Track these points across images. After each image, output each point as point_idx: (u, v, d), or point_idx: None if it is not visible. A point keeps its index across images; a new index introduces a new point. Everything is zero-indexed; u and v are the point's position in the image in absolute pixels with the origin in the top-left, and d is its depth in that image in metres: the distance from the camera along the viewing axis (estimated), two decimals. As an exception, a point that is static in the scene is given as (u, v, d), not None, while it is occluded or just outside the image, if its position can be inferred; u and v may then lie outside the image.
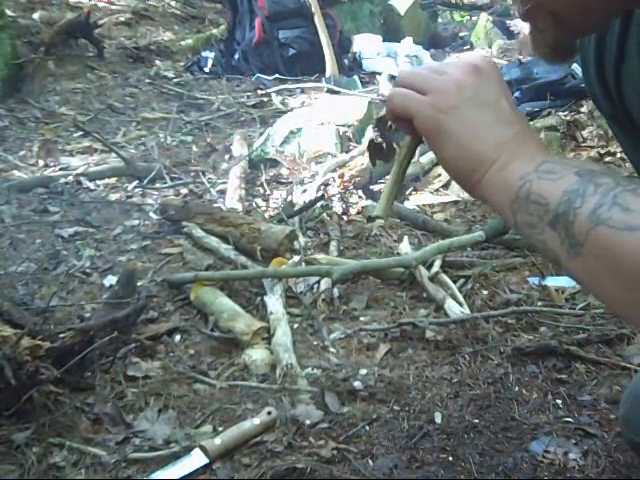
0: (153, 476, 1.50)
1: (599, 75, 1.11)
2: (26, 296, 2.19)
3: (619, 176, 0.81)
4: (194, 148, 3.82)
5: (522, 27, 5.50)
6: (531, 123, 3.38)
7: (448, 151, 0.91)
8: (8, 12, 4.74)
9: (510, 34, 6.34)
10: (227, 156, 3.66)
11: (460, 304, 2.18)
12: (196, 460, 1.55)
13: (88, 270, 2.44)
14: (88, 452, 1.58)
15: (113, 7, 6.23)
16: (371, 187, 3.13)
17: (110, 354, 1.89)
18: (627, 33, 1.02)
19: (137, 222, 2.84)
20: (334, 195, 3.05)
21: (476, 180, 0.90)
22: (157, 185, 3.28)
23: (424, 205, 3.06)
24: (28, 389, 1.64)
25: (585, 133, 3.48)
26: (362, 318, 2.20)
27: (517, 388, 1.84)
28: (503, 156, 0.89)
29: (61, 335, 1.84)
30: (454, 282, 2.32)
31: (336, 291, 2.29)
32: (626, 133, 1.13)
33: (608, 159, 3.31)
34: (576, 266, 0.80)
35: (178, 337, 2.06)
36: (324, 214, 2.87)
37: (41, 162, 3.50)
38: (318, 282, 2.31)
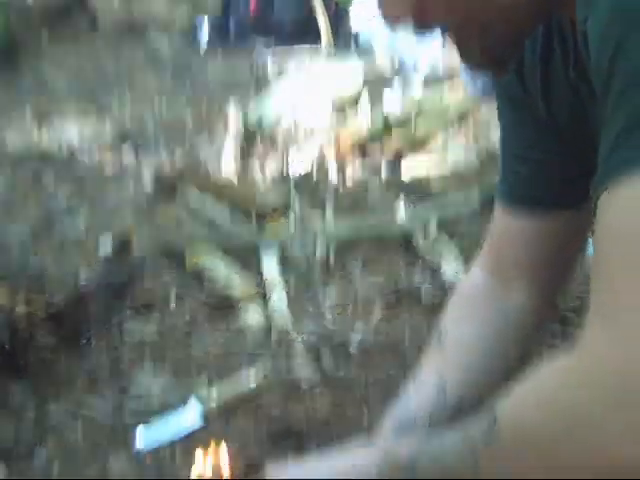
0: (148, 434, 1.50)
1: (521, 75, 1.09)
2: (21, 261, 2.18)
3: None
4: (189, 116, 3.79)
5: None
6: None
7: None
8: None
9: None
10: (222, 123, 3.64)
11: (456, 268, 2.18)
12: (191, 422, 1.55)
13: (83, 236, 2.43)
14: (84, 408, 1.58)
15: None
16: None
17: (105, 317, 1.89)
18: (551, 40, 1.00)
19: (131, 189, 2.83)
20: (330, 161, 3.04)
21: None
22: (152, 152, 3.26)
23: (420, 174, 3.05)
24: (24, 354, 1.64)
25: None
26: (357, 280, 2.20)
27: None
28: None
29: (56, 299, 1.84)
30: (450, 247, 2.32)
31: (331, 254, 2.29)
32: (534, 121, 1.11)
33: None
34: None
35: (173, 300, 2.06)
36: (320, 179, 2.86)
37: (35, 132, 3.48)
38: (314, 245, 2.31)
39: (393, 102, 3.56)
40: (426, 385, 1.16)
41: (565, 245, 1.10)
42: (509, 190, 1.15)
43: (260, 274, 2.17)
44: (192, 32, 5.25)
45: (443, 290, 2.06)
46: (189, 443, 1.49)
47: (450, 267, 2.18)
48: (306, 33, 5.14)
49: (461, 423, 0.85)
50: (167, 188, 2.76)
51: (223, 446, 1.25)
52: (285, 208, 2.54)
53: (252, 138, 3.39)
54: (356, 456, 1.05)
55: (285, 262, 2.27)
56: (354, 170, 3.01)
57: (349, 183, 2.89)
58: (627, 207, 0.69)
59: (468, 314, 1.22)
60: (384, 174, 2.98)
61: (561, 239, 1.12)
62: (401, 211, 2.57)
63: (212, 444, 1.25)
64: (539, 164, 1.10)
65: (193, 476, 1.23)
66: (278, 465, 1.12)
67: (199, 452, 1.25)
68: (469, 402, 1.17)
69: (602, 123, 0.74)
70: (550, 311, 1.26)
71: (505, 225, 1.17)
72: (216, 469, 1.20)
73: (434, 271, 2.21)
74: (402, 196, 2.73)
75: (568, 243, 1.11)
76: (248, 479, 1.23)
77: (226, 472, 1.21)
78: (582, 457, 0.70)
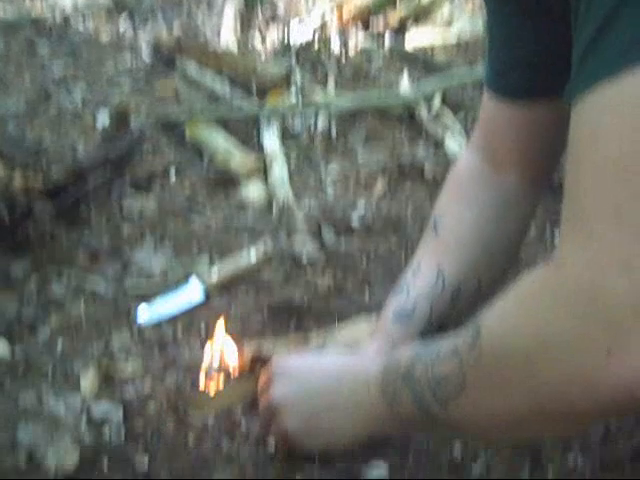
0: (150, 310, 1.50)
1: None
2: (17, 135, 2.15)
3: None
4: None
5: None
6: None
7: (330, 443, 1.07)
8: None
9: None
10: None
11: (460, 142, 2.14)
12: (193, 293, 1.55)
13: (80, 109, 2.38)
14: (86, 283, 1.58)
15: None
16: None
17: (105, 192, 1.87)
18: None
19: (129, 60, 2.75)
20: (332, 31, 2.95)
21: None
22: (149, 22, 3.17)
23: (424, 45, 2.96)
24: (23, 226, 1.63)
25: None
26: (360, 154, 2.16)
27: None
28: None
29: (54, 174, 1.81)
30: (454, 120, 2.27)
31: (333, 127, 2.25)
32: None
33: None
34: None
35: (173, 175, 2.03)
36: (322, 51, 2.78)
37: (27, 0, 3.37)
38: (315, 118, 2.26)
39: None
40: (425, 275, 1.16)
41: (555, 132, 1.08)
42: (495, 77, 1.13)
43: (261, 148, 2.13)
44: None
45: (446, 165, 2.03)
46: (190, 318, 1.49)
47: (454, 141, 2.14)
48: None
49: (454, 332, 0.85)
50: (165, 59, 2.69)
51: (228, 339, 1.27)
52: (286, 80, 2.48)
53: (252, 7, 3.29)
54: (361, 360, 1.06)
55: (286, 135, 2.23)
56: (357, 41, 2.92)
57: (352, 54, 2.82)
58: (601, 111, 0.67)
59: (464, 198, 1.21)
60: (388, 45, 2.90)
61: (550, 126, 1.10)
62: (404, 83, 2.52)
63: (220, 334, 1.27)
64: (525, 51, 1.07)
65: (203, 369, 1.25)
66: (283, 358, 1.14)
67: (207, 345, 1.27)
68: (468, 289, 1.17)
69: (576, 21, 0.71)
70: (542, 196, 1.26)
71: (494, 111, 1.16)
72: (224, 364, 1.23)
73: (437, 145, 2.17)
74: (406, 68, 2.67)
75: (558, 130, 1.09)
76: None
77: (234, 363, 1.23)
78: (554, 370, 0.70)
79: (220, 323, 1.31)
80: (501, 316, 0.78)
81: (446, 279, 1.16)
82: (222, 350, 1.26)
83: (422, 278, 1.17)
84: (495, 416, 0.80)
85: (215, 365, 1.25)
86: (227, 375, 1.25)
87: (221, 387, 1.25)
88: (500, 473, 1.13)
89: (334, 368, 1.07)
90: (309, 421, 1.05)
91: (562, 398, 0.69)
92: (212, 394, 1.25)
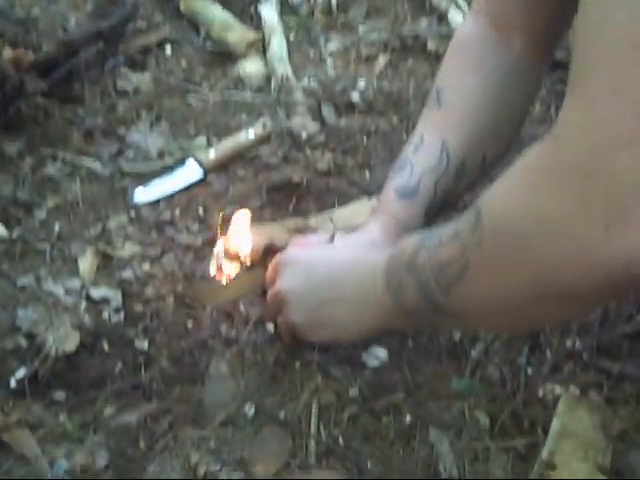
0: (147, 190, 1.48)
1: None
2: (6, 8, 2.07)
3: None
4: None
5: None
6: None
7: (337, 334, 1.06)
8: None
9: None
10: None
11: (464, 13, 2.07)
12: (190, 172, 1.53)
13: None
14: (82, 164, 1.55)
15: None
16: None
17: (98, 68, 1.81)
18: None
19: None
20: None
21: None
22: None
23: None
24: (15, 102, 1.59)
25: None
26: (361, 28, 2.09)
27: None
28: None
29: (45, 47, 1.75)
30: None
31: (334, 0, 2.16)
32: None
33: None
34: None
35: (169, 49, 1.96)
36: None
37: None
38: (316, -10, 2.18)
39: None
40: (429, 149, 1.13)
41: (559, 3, 1.03)
42: None
43: (258, 22, 2.06)
44: None
45: (450, 39, 1.96)
46: (188, 199, 1.48)
47: (458, 14, 2.06)
48: None
49: (456, 218, 0.84)
50: None
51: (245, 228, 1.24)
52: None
53: None
54: (369, 252, 1.04)
55: (285, 9, 2.14)
56: None
57: None
58: None
59: (468, 65, 1.17)
60: None
61: None
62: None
63: (237, 223, 1.24)
64: None
65: (214, 258, 1.24)
66: (292, 249, 1.13)
67: (220, 232, 1.25)
68: (473, 164, 1.14)
69: None
70: (546, 70, 1.22)
71: None
72: (236, 253, 1.21)
73: (441, 19, 2.10)
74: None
75: (563, 3, 1.05)
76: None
77: (246, 252, 1.21)
78: (552, 248, 0.68)
79: (240, 213, 1.27)
80: (500, 196, 0.77)
81: (450, 153, 1.12)
82: (235, 239, 1.24)
83: (425, 152, 1.14)
84: (496, 301, 0.79)
85: (227, 254, 1.23)
86: (239, 265, 1.23)
87: (232, 277, 1.24)
88: (499, 357, 1.14)
89: (342, 260, 1.05)
90: (315, 313, 1.04)
91: (560, 278, 0.69)
92: (223, 284, 1.24)
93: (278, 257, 1.13)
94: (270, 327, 1.17)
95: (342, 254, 1.08)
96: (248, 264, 1.22)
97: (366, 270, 0.99)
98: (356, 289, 1.00)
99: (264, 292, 1.17)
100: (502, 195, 0.76)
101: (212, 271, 1.23)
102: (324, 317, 1.04)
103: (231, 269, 1.22)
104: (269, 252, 1.20)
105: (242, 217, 1.23)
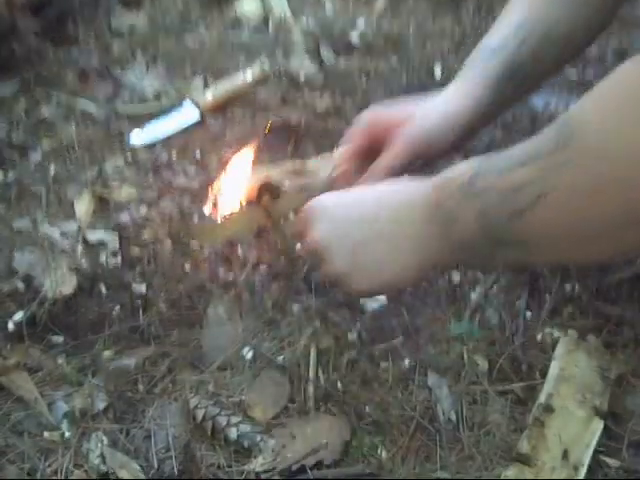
0: (143, 132, 1.46)
1: None
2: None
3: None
4: None
5: None
6: None
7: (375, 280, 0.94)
8: None
9: None
10: None
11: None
12: (187, 114, 1.51)
13: None
14: (77, 105, 1.53)
15: None
16: None
17: (92, 7, 1.78)
18: None
19: None
20: None
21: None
22: None
23: None
24: (8, 42, 1.56)
25: None
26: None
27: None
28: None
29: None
30: None
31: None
32: None
33: None
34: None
35: (164, -12, 1.93)
36: None
37: None
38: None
39: None
40: (515, 13, 1.08)
41: None
42: None
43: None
44: None
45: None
46: (185, 141, 1.46)
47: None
48: None
49: (530, 139, 0.77)
50: None
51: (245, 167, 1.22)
52: None
53: None
54: (404, 183, 0.96)
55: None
56: None
57: None
58: None
59: None
60: None
61: None
62: None
63: (237, 162, 1.22)
64: None
65: (210, 196, 1.22)
66: (316, 200, 1.01)
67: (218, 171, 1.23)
68: (567, 35, 1.09)
69: None
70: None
71: None
72: (233, 192, 1.18)
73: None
74: None
75: None
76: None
77: (242, 191, 1.19)
78: None
79: (244, 151, 1.25)
80: (594, 114, 0.70)
81: (537, 23, 1.06)
82: (232, 178, 1.22)
83: (512, 16, 1.08)
84: (578, 228, 0.73)
85: (224, 193, 1.21)
86: (235, 203, 1.21)
87: (228, 216, 1.22)
88: (498, 301, 1.13)
89: (371, 196, 0.95)
90: (355, 257, 0.93)
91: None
92: (220, 222, 1.22)
93: (304, 208, 1.05)
94: (264, 268, 1.16)
95: (371, 191, 0.98)
96: (244, 203, 1.20)
97: (402, 201, 0.91)
98: (392, 223, 0.91)
99: (260, 231, 1.15)
100: (595, 113, 0.70)
101: (208, 210, 1.22)
102: (365, 259, 0.93)
103: (227, 208, 1.20)
104: (265, 191, 1.18)
105: (239, 158, 1.21)
